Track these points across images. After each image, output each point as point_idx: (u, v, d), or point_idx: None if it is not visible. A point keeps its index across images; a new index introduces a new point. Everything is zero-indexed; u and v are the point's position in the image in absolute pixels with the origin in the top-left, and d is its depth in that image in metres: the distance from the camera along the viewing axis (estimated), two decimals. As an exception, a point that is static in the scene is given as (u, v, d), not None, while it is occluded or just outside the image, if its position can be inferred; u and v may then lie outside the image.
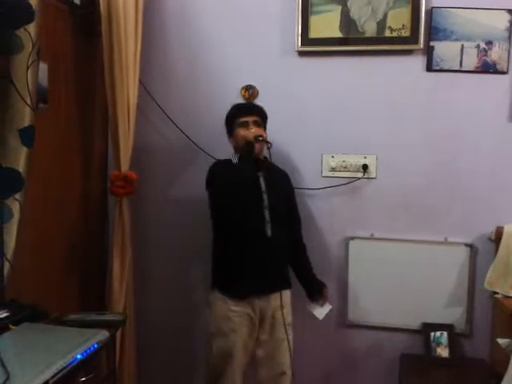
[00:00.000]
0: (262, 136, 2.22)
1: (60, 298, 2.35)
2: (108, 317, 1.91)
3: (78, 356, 1.55)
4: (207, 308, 2.28)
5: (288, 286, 2.36)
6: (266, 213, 2.23)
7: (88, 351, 1.59)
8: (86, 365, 1.59)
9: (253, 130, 2.22)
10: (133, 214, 2.62)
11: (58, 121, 2.33)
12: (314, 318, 2.39)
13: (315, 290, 2.41)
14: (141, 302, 2.77)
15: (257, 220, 2.22)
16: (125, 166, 2.47)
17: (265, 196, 2.25)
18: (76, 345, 1.58)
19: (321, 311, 2.39)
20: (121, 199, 2.49)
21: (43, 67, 2.14)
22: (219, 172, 2.24)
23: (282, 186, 2.37)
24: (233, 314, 2.20)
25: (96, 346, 1.63)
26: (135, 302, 2.66)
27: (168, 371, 2.88)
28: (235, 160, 2.28)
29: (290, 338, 2.32)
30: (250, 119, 2.26)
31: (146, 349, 2.82)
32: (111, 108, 2.41)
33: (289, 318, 2.33)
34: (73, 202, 2.49)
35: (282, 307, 2.26)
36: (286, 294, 2.33)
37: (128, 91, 2.41)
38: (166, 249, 2.82)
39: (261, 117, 2.30)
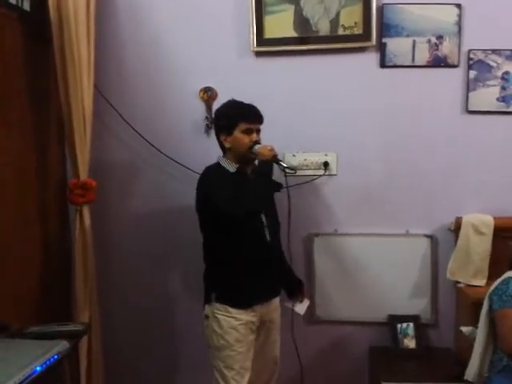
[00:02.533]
0: (277, 156, 2.15)
1: (21, 310, 2.29)
2: (69, 327, 1.89)
3: (38, 368, 1.53)
4: (205, 323, 2.21)
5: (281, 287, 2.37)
6: (263, 217, 2.21)
7: (48, 363, 1.58)
8: (46, 377, 1.57)
9: (269, 148, 2.14)
10: (95, 222, 2.58)
11: (11, 131, 2.27)
12: (295, 313, 2.42)
13: (295, 288, 2.42)
14: (107, 312, 2.73)
15: (256, 226, 2.18)
16: (83, 173, 2.43)
17: None
18: (35, 357, 1.56)
19: (301, 307, 2.42)
20: (81, 208, 2.45)
21: (-7, 76, 2.10)
22: (226, 189, 2.08)
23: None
24: (238, 322, 2.13)
25: (56, 357, 1.61)
26: (102, 311, 2.63)
27: (138, 380, 2.86)
28: (231, 168, 2.18)
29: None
30: (255, 127, 2.19)
31: (114, 357, 2.78)
32: (66, 115, 2.37)
33: (279, 319, 2.37)
34: (31, 212, 2.44)
35: (276, 309, 2.32)
36: (278, 296, 2.35)
37: (82, 97, 2.38)
38: (129, 258, 2.79)
39: (261, 124, 2.23)
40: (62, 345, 1.67)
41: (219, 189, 2.08)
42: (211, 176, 2.18)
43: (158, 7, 2.65)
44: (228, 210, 2.02)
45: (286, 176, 2.22)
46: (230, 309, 2.14)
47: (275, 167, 2.21)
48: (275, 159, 2.15)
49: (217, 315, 2.15)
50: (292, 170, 2.20)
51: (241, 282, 2.16)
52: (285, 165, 2.18)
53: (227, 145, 2.20)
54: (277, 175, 2.25)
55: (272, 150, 2.15)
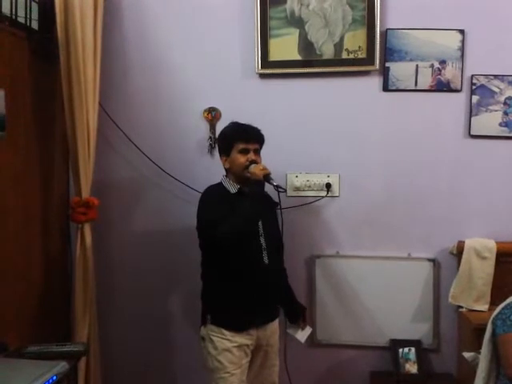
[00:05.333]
0: (269, 174, 2.13)
1: (20, 328, 2.27)
2: (68, 348, 1.87)
3: (36, 390, 1.50)
4: (202, 344, 2.20)
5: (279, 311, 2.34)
6: (262, 240, 2.19)
7: (46, 384, 1.55)
8: (44, 398, 1.55)
9: (261, 167, 2.13)
10: (97, 240, 2.58)
11: (16, 147, 2.28)
12: (296, 340, 2.39)
13: (297, 314, 2.40)
14: (106, 331, 2.71)
15: (254, 248, 2.16)
16: (86, 191, 2.43)
17: (260, 223, 2.19)
18: (33, 378, 1.54)
19: (302, 334, 2.40)
20: (82, 226, 2.44)
21: (0, 94, 2.10)
22: (221, 210, 2.07)
23: (271, 211, 2.31)
24: (232, 344, 2.11)
25: (55, 378, 1.59)
26: (102, 329, 2.61)
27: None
28: (232, 189, 2.20)
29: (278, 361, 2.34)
30: (252, 147, 2.18)
31: (114, 376, 2.76)
32: (70, 132, 2.38)
33: (278, 343, 2.33)
34: (33, 229, 2.43)
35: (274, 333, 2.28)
36: (276, 320, 2.31)
37: (87, 115, 2.39)
38: (131, 276, 2.78)
39: (260, 143, 2.24)
40: (61, 366, 1.64)
41: (213, 211, 2.08)
42: (210, 196, 2.19)
43: (164, 27, 2.69)
44: (215, 233, 2.01)
45: (279, 194, 2.20)
46: (225, 331, 2.12)
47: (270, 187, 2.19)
48: (267, 178, 2.14)
49: (212, 337, 2.14)
50: (282, 188, 2.19)
51: (236, 305, 2.14)
52: (275, 183, 2.15)
53: (226, 165, 2.23)
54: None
55: (264, 169, 2.14)
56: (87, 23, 2.37)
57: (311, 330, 2.46)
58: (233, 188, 2.20)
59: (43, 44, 2.45)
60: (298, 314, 2.40)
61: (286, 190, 2.22)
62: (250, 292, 2.14)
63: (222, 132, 2.30)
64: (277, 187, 2.15)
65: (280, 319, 2.34)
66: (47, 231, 2.54)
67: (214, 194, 2.19)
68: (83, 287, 2.45)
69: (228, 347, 2.11)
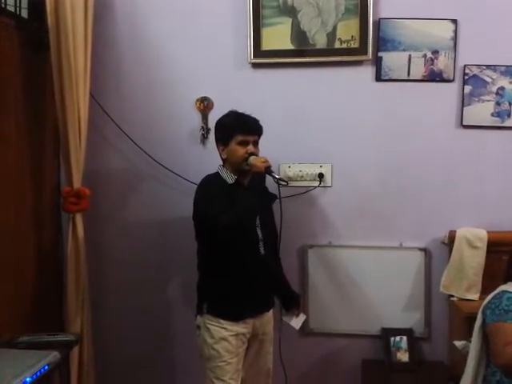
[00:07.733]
0: (270, 167, 2.14)
1: (12, 318, 2.27)
2: (60, 337, 1.88)
3: (28, 379, 1.52)
4: (197, 332, 2.20)
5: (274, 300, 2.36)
6: (259, 231, 2.20)
7: (38, 373, 1.56)
8: (36, 388, 1.55)
9: (262, 160, 2.13)
10: (90, 231, 2.58)
11: (6, 139, 2.27)
12: (291, 327, 2.41)
13: (291, 301, 2.41)
14: (100, 323, 2.71)
15: (250, 239, 2.18)
16: (77, 181, 2.42)
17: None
18: (25, 367, 1.55)
19: (297, 321, 2.42)
20: (74, 216, 2.44)
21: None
22: (221, 202, 2.07)
23: (267, 203, 2.30)
24: (229, 333, 2.12)
25: (46, 367, 1.60)
26: (94, 320, 2.61)
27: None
28: (229, 179, 2.19)
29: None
30: (251, 139, 2.18)
31: (106, 367, 2.76)
32: (61, 122, 2.37)
33: (272, 331, 2.35)
34: (25, 219, 2.42)
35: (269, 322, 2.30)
36: (272, 309, 2.33)
37: (78, 105, 2.38)
38: (123, 267, 2.77)
39: (259, 135, 2.23)
40: (53, 355, 1.65)
41: (213, 201, 2.08)
42: (208, 186, 2.18)
43: (156, 17, 2.66)
44: (216, 223, 2.01)
45: (279, 187, 2.21)
46: (222, 320, 2.13)
47: (269, 178, 2.19)
48: (268, 170, 2.14)
49: (208, 325, 2.15)
50: (284, 181, 2.21)
51: (232, 295, 2.15)
52: (277, 176, 2.17)
53: (224, 156, 2.22)
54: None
55: (265, 161, 2.14)
56: (78, 12, 2.36)
57: (305, 316, 2.48)
58: (230, 178, 2.20)
59: (33, 33, 2.42)
60: (293, 302, 2.41)
61: (287, 183, 2.23)
62: (246, 282, 2.15)
63: (221, 121, 2.26)
64: (278, 180, 2.16)
65: (274, 308, 2.35)
66: (39, 222, 2.53)
67: (211, 184, 2.19)
68: (75, 278, 2.45)
69: (225, 336, 2.12)
